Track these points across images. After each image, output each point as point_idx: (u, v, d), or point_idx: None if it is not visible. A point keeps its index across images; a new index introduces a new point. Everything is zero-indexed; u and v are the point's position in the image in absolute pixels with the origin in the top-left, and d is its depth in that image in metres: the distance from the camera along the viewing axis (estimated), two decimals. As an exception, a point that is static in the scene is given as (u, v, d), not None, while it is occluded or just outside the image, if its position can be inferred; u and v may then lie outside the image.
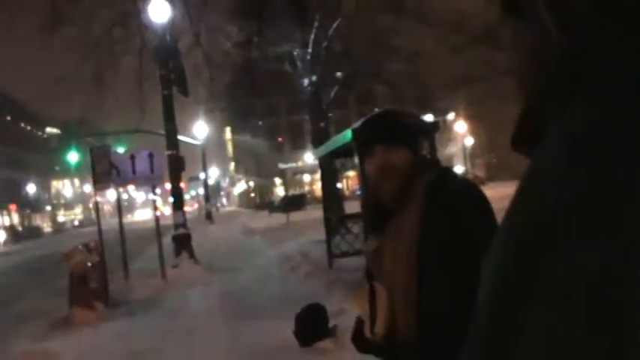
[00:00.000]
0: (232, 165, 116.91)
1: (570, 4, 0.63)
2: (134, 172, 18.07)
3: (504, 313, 0.61)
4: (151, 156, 18.25)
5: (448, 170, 3.19)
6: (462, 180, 3.13)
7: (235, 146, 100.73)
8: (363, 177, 11.95)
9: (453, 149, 78.86)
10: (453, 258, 2.65)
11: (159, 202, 22.51)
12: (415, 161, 3.00)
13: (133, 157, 18.18)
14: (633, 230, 0.51)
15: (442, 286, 2.67)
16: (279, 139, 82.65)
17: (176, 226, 21.17)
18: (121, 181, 18.45)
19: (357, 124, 12.20)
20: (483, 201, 2.82)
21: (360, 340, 3.12)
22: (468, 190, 2.91)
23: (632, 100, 0.56)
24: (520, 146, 0.70)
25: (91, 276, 14.22)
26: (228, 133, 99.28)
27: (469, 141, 77.95)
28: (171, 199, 22.57)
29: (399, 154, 2.96)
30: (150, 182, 18.90)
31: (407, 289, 2.81)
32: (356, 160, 13.17)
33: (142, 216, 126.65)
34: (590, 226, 0.53)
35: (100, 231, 16.88)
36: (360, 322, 3.13)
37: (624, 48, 0.59)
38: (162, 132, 22.78)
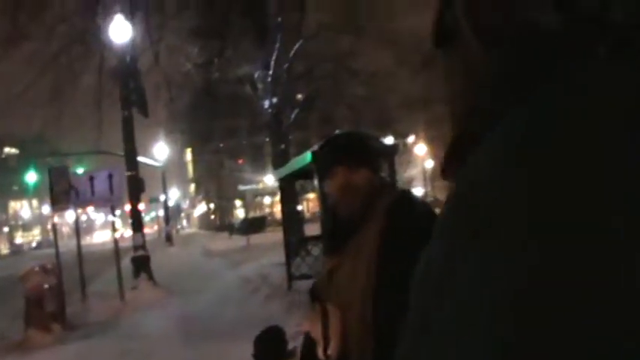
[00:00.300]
0: (193, 186, 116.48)
1: (495, 27, 0.65)
2: (93, 193, 17.94)
3: (424, 315, 0.62)
4: (110, 177, 18.13)
5: (408, 192, 3.21)
6: (421, 203, 3.15)
7: (196, 168, 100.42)
8: (322, 199, 11.97)
9: (412, 172, 79.22)
10: (410, 281, 2.65)
11: (118, 224, 22.35)
12: (375, 182, 3.02)
13: (92, 178, 18.05)
14: (561, 236, 0.51)
15: (400, 308, 2.65)
16: (240, 160, 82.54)
17: (135, 247, 20.99)
18: (80, 202, 18.30)
19: (316, 146, 12.23)
20: None
21: None
22: (427, 213, 2.93)
23: (565, 108, 0.57)
24: (450, 173, 0.71)
25: (48, 298, 14.06)
26: (188, 154, 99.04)
27: (429, 164, 78.37)
28: (130, 221, 22.41)
29: (361, 174, 2.98)
30: (109, 203, 18.77)
31: (364, 311, 2.80)
32: (316, 182, 13.19)
33: (101, 238, 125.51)
34: (523, 230, 0.53)
35: (57, 253, 16.71)
36: (309, 344, 3.11)
37: (552, 62, 0.61)
38: (122, 153, 22.65)
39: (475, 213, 0.59)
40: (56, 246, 17.27)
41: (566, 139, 0.55)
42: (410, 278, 0.74)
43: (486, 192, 0.59)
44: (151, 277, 20.52)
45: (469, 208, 0.61)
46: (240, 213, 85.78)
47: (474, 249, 0.58)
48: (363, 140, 3.30)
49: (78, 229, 18.75)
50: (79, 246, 17.96)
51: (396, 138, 39.59)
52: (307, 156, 12.78)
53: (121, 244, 19.82)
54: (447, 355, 0.56)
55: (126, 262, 20.65)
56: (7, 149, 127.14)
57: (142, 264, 20.66)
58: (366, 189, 2.96)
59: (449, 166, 0.71)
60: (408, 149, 68.84)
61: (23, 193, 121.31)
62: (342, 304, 2.93)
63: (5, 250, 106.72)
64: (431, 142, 71.28)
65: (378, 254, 2.80)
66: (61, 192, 17.71)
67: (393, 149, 14.47)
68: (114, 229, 20.15)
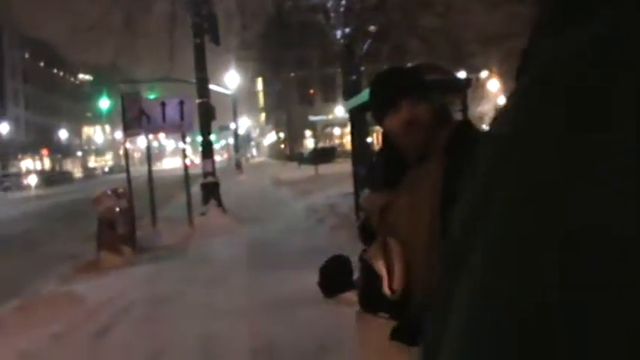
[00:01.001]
0: (263, 116, 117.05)
1: None
2: (164, 119, 18.07)
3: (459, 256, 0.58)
4: (181, 103, 18.22)
5: (467, 122, 3.17)
6: (481, 132, 3.10)
7: (266, 97, 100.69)
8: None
9: (485, 107, 78.29)
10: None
11: (188, 151, 22.60)
12: (437, 115, 2.97)
13: (163, 104, 18.17)
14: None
15: None
16: (311, 91, 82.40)
17: (205, 174, 21.20)
18: (151, 128, 18.45)
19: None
20: None
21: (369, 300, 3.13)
22: None
23: None
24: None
25: (119, 221, 14.33)
26: (259, 83, 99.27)
27: (502, 100, 77.27)
28: (200, 148, 22.61)
29: (424, 107, 2.93)
30: (179, 130, 18.91)
31: (430, 245, 2.77)
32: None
33: (171, 164, 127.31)
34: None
35: (129, 177, 16.96)
36: (369, 277, 3.09)
37: None
38: (193, 80, 22.73)
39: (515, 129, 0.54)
40: (127, 171, 17.51)
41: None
42: None
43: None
44: (219, 204, 20.74)
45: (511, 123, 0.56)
46: (309, 143, 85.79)
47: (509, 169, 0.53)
48: (419, 73, 3.25)
49: (149, 155, 18.95)
50: (149, 171, 18.18)
51: (469, 72, 39.02)
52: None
53: (191, 171, 20.06)
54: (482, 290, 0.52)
55: (195, 189, 20.91)
56: (81, 76, 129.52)
57: (211, 190, 20.88)
58: (429, 122, 2.92)
59: (523, 68, 0.66)
60: (480, 84, 67.93)
61: (96, 118, 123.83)
62: (402, 240, 2.91)
63: (79, 174, 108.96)
64: (505, 78, 70.21)
65: (441, 188, 2.77)
66: (133, 118, 17.89)
67: (465, 84, 14.22)
68: (184, 156, 20.37)
